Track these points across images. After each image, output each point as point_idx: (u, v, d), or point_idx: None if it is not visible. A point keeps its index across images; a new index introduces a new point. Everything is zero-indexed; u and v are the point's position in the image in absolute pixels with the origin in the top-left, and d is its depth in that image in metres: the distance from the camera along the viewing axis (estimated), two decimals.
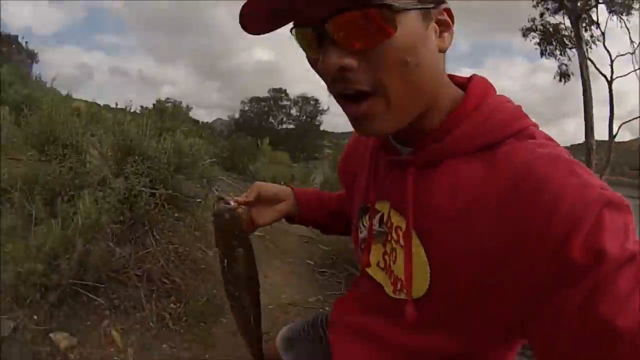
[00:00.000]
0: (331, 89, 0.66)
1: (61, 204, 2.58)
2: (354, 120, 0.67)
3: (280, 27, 0.67)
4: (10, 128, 4.38)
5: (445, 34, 0.67)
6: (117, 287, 2.57)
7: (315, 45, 0.63)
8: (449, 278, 0.67)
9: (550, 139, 0.67)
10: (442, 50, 0.67)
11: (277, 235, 4.29)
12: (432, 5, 0.63)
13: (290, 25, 0.66)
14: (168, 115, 5.31)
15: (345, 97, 0.65)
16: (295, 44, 0.68)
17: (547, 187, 0.56)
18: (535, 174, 0.58)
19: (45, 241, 2.31)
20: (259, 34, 0.68)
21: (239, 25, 0.65)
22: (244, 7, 0.63)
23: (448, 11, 0.67)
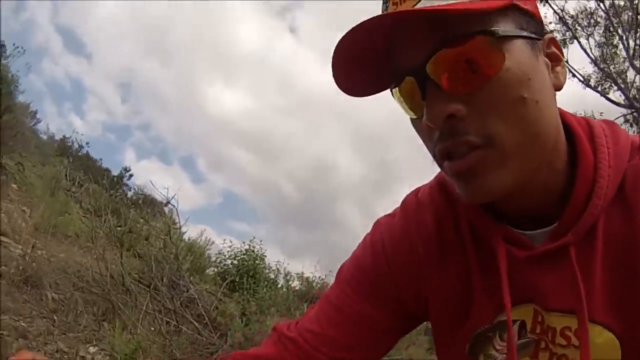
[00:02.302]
0: (439, 147, 0.55)
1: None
2: (458, 178, 0.55)
3: (380, 86, 0.60)
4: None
5: (558, 69, 0.57)
6: None
7: (418, 98, 0.53)
8: (636, 332, 0.59)
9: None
10: (558, 88, 0.57)
11: None
12: (535, 36, 0.54)
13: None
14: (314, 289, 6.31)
15: (451, 156, 0.54)
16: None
17: None
18: None
19: None
20: (359, 95, 0.61)
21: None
22: (333, 63, 0.57)
23: (554, 42, 0.58)
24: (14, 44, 7.52)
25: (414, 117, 0.57)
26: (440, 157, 0.56)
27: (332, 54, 0.55)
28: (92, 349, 2.87)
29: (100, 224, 5.50)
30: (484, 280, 0.64)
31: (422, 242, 0.69)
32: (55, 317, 3.02)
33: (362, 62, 0.57)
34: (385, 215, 0.76)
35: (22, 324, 2.70)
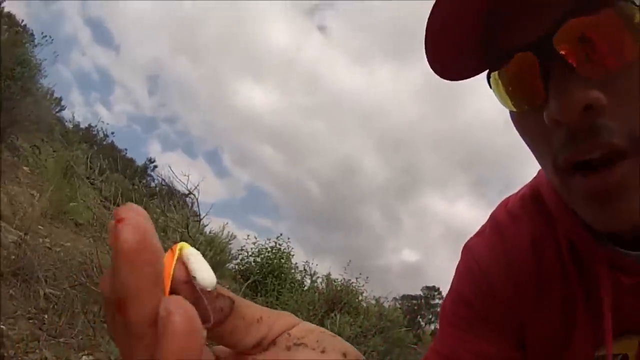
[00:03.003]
0: (568, 153, 0.44)
1: None
2: (591, 200, 0.44)
3: (481, 66, 0.51)
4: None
5: None
6: None
7: (535, 83, 0.43)
8: None
9: None
10: None
11: None
12: None
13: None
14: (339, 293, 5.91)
15: (579, 167, 0.44)
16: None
17: None
18: None
19: None
20: (455, 79, 0.53)
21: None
22: (427, 38, 0.48)
23: None
24: (42, 33, 7.41)
25: (523, 109, 0.47)
26: (565, 167, 0.44)
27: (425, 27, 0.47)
28: (85, 359, 2.39)
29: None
30: (588, 308, 0.57)
31: (519, 258, 0.60)
32: (44, 318, 2.55)
33: (456, 38, 0.47)
34: (473, 237, 0.68)
35: (1, 326, 2.25)
